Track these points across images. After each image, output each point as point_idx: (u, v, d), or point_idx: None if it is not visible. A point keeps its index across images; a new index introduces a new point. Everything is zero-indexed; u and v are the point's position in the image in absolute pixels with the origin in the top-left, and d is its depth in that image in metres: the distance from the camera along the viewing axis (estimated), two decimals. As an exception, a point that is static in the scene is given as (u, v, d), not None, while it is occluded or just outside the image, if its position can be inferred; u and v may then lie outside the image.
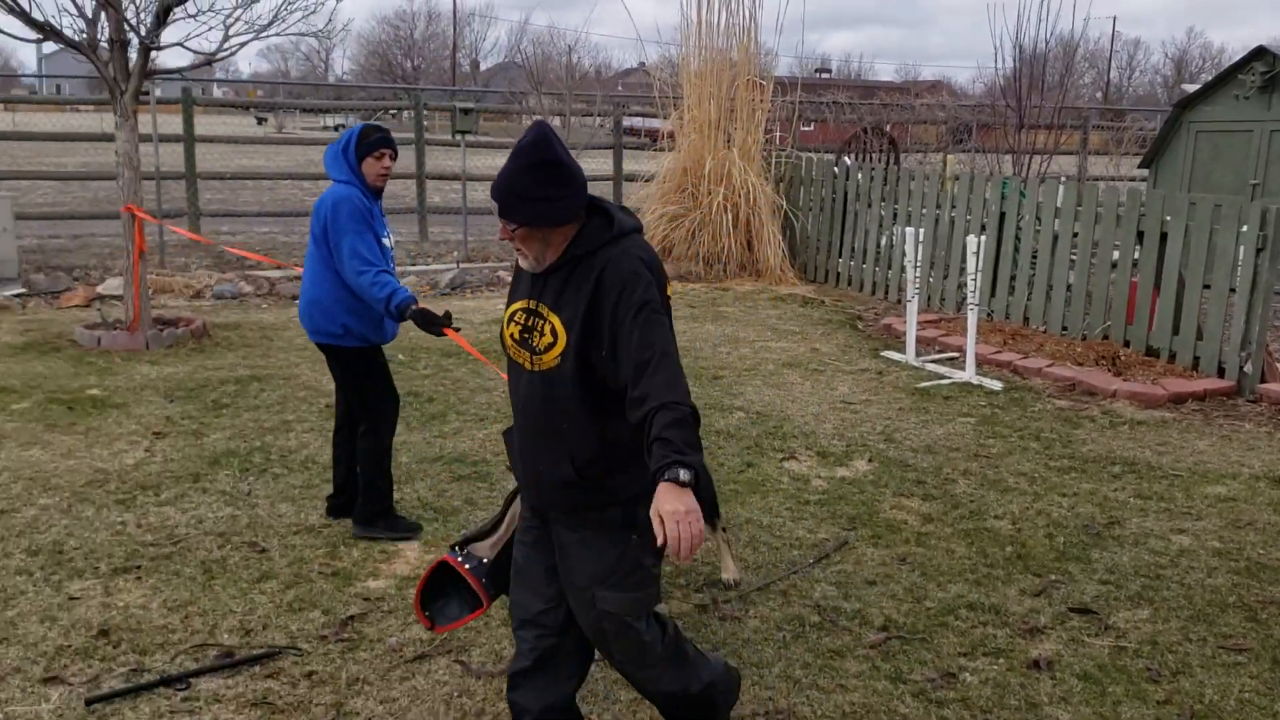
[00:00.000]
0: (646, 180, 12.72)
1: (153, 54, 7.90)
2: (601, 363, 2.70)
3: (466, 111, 13.01)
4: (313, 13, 9.13)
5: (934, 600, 4.37)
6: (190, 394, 6.94)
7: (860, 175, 11.33)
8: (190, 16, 8.13)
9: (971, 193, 9.80)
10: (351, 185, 4.58)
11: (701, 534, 2.44)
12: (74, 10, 7.82)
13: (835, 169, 11.75)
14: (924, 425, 6.72)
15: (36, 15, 7.67)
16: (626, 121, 15.51)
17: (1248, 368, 7.56)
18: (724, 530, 4.49)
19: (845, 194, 11.50)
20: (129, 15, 7.81)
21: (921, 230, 8.64)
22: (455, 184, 14.18)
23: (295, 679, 3.69)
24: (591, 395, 2.73)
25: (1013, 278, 9.43)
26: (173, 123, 12.58)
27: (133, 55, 7.88)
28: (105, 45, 7.89)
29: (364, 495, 4.86)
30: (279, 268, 10.84)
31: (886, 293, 10.91)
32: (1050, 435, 6.55)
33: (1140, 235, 8.34)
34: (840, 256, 11.65)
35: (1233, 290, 7.71)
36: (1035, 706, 3.62)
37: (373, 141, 4.60)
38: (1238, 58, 12.37)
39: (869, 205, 11.14)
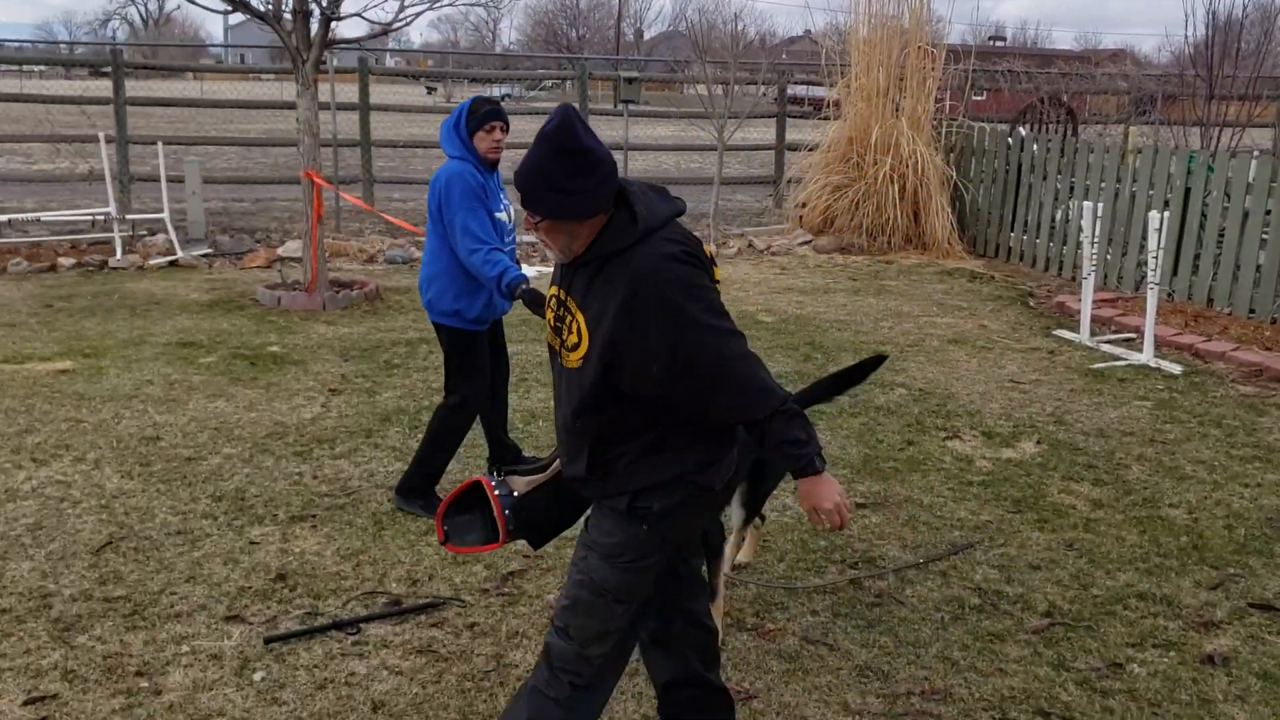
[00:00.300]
0: (810, 149, 12.54)
1: (332, 24, 8.19)
2: (647, 381, 2.56)
3: (631, 81, 13.07)
4: (483, -17, 9.29)
5: (1101, 588, 4.21)
6: (364, 354, 7.21)
7: (1035, 146, 10.92)
8: (368, -12, 8.39)
9: (1155, 166, 9.33)
10: (465, 161, 4.53)
11: (847, 515, 2.66)
12: (262, -17, 8.17)
13: (1009, 140, 11.36)
14: (1097, 408, 6.46)
15: (228, -12, 8.04)
16: (791, 90, 15.31)
17: None
18: (759, 523, 4.38)
19: (1019, 166, 11.10)
20: (312, -13, 8.11)
21: (1100, 205, 8.27)
22: (616, 154, 14.28)
23: (458, 629, 3.82)
24: (611, 401, 2.61)
25: (1197, 256, 8.95)
26: (349, 91, 13.02)
27: (314, 25, 8.18)
28: (289, 16, 8.22)
29: (415, 465, 4.83)
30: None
31: (1060, 269, 10.51)
32: (1233, 422, 6.21)
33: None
34: (1012, 230, 11.26)
35: None
36: (1208, 703, 3.46)
37: (482, 115, 4.53)
38: None
39: (1044, 178, 10.72)
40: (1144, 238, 9.00)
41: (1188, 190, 9.02)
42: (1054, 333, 8.26)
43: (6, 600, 3.94)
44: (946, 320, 8.64)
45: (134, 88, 14.40)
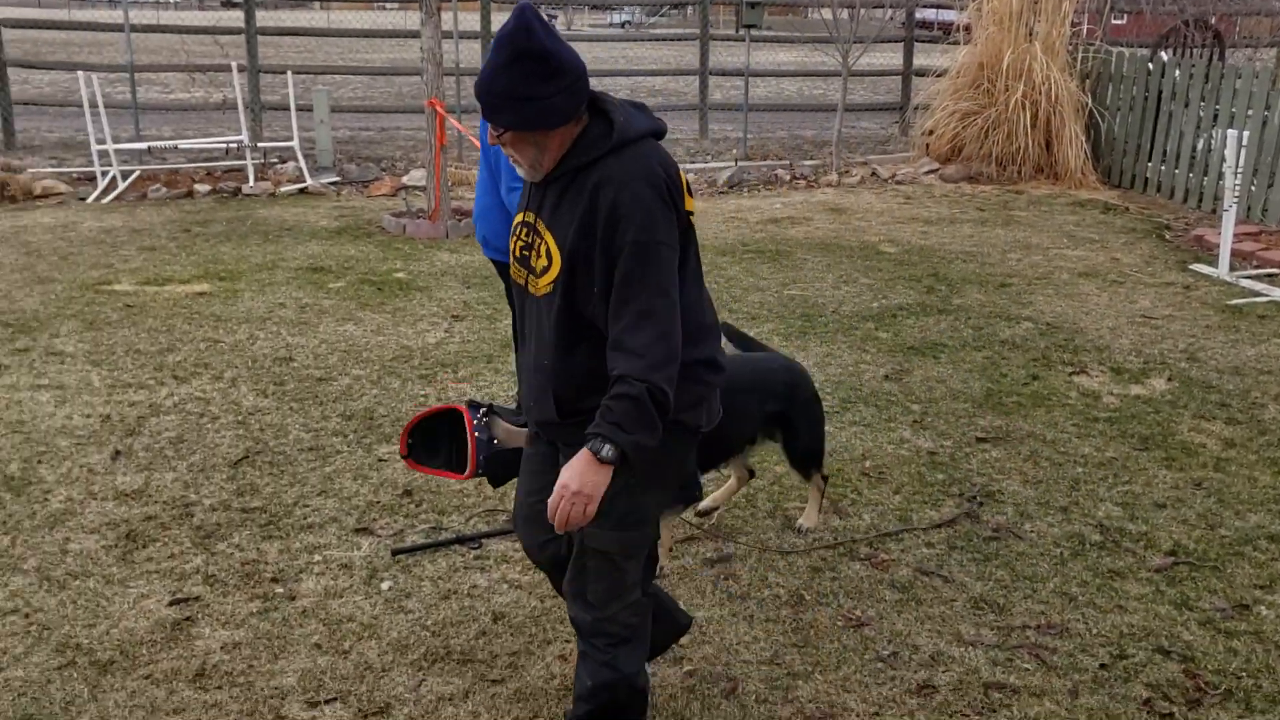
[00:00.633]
0: (938, 75, 12.17)
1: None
2: (592, 300, 2.38)
3: (753, 5, 12.81)
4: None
5: (1230, 528, 4.10)
6: (484, 281, 7.34)
7: (1178, 72, 10.41)
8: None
9: (1308, 91, 8.82)
10: None
11: (582, 519, 2.32)
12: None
13: (1150, 65, 10.84)
14: (1233, 345, 6.21)
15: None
16: (919, 14, 14.84)
17: None
18: (824, 480, 4.09)
19: (1159, 92, 10.60)
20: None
21: (1245, 134, 7.87)
22: (736, 80, 14.09)
23: (575, 550, 3.91)
24: (577, 331, 2.43)
25: (1351, 187, 8.47)
26: (470, 20, 13.09)
27: (439, -47, 8.23)
28: (415, -56, 8.28)
29: None
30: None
31: (1200, 201, 10.04)
32: (1383, 363, 5.92)
33: None
34: (1150, 160, 10.80)
35: None
36: (1342, 650, 3.35)
37: None
38: None
39: (1186, 105, 10.22)
40: (1293, 168, 8.54)
41: (1344, 117, 8.51)
42: (1190, 267, 7.94)
43: (152, 508, 4.17)
44: (1077, 253, 8.37)
45: (264, 18, 14.74)
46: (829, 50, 11.97)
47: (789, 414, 3.83)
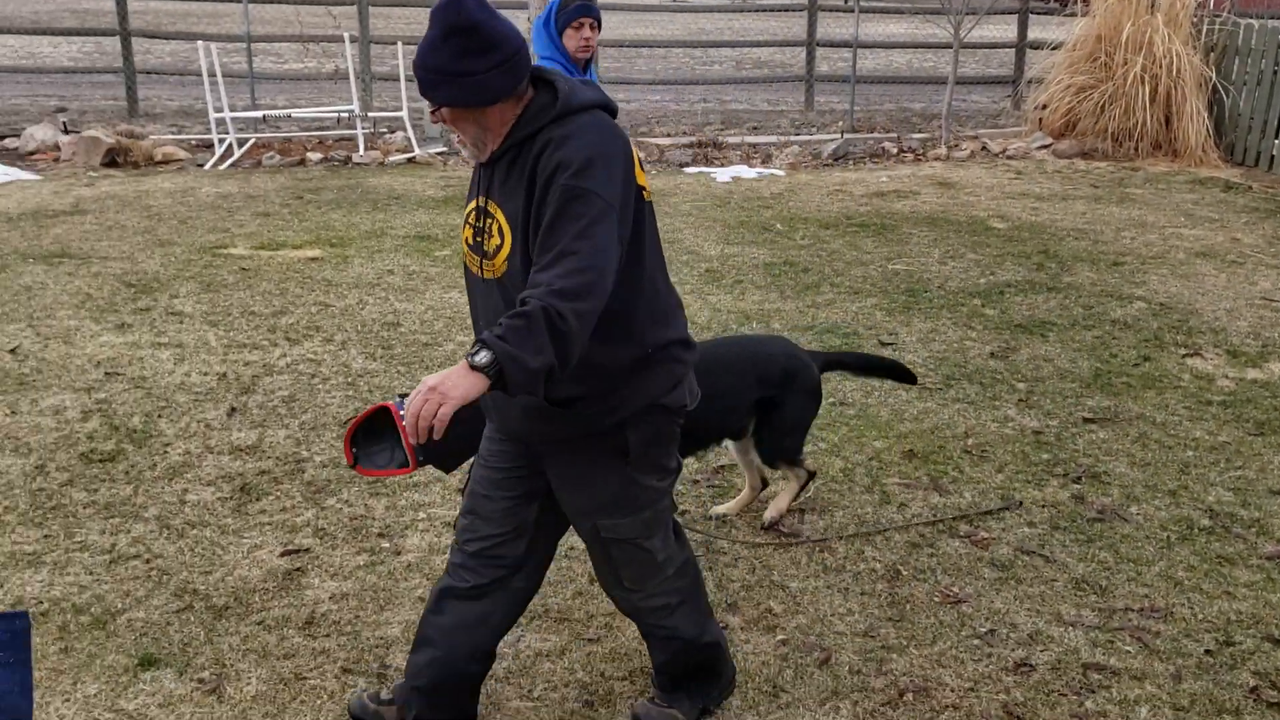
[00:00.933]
0: (1054, 48, 11.85)
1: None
2: None
3: (864, -24, 12.61)
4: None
5: (1351, 519, 3.96)
6: (586, 249, 7.39)
7: (1310, 44, 9.96)
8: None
9: None
10: (553, 61, 4.28)
11: (441, 419, 2.10)
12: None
13: None
14: (1359, 329, 5.97)
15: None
16: (1035, -15, 14.47)
17: None
18: (810, 478, 3.92)
19: (1288, 66, 10.17)
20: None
21: (1381, 108, 7.51)
22: (843, 51, 13.90)
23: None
24: None
25: None
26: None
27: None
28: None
29: None
30: (668, 136, 11.18)
31: (1328, 180, 9.64)
32: None
33: None
34: (1276, 138, 10.38)
35: None
36: None
37: (571, 11, 4.28)
38: None
39: (1317, 79, 9.79)
40: None
41: None
42: (1317, 248, 7.63)
43: (266, 463, 4.33)
44: (1194, 232, 8.10)
45: (377, -11, 14.96)
46: (940, 22, 11.73)
47: (777, 399, 3.75)
